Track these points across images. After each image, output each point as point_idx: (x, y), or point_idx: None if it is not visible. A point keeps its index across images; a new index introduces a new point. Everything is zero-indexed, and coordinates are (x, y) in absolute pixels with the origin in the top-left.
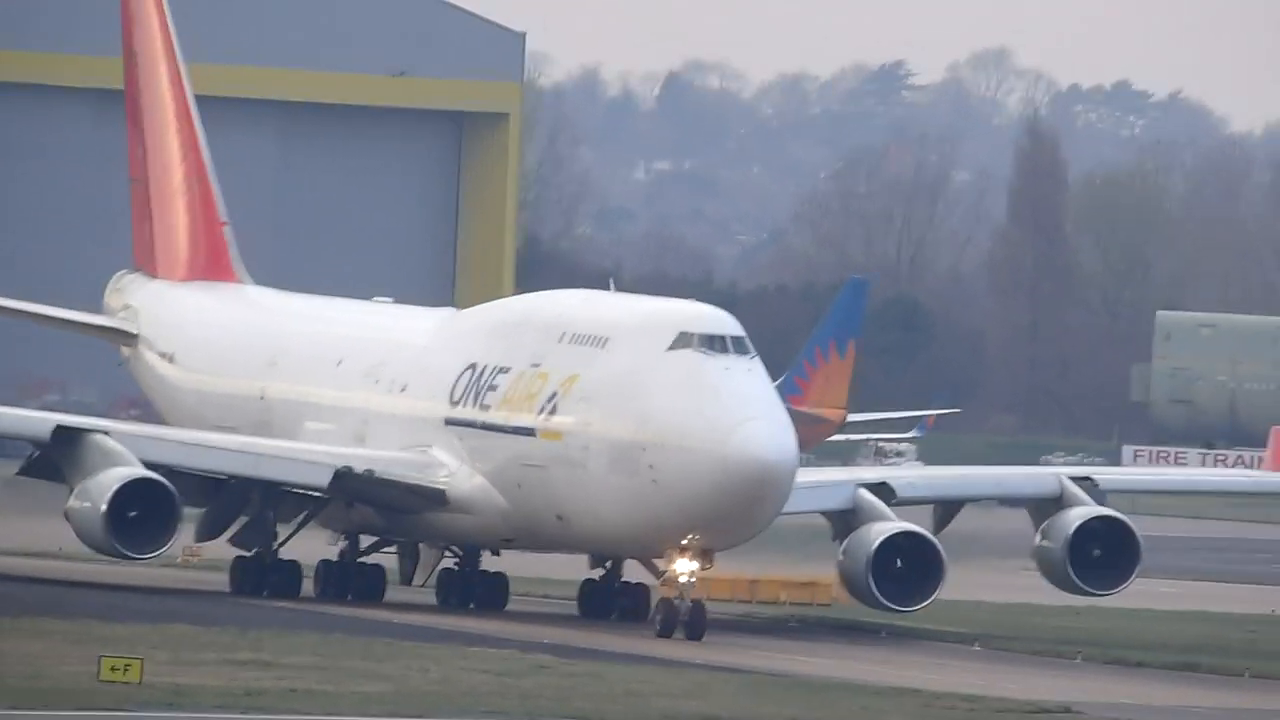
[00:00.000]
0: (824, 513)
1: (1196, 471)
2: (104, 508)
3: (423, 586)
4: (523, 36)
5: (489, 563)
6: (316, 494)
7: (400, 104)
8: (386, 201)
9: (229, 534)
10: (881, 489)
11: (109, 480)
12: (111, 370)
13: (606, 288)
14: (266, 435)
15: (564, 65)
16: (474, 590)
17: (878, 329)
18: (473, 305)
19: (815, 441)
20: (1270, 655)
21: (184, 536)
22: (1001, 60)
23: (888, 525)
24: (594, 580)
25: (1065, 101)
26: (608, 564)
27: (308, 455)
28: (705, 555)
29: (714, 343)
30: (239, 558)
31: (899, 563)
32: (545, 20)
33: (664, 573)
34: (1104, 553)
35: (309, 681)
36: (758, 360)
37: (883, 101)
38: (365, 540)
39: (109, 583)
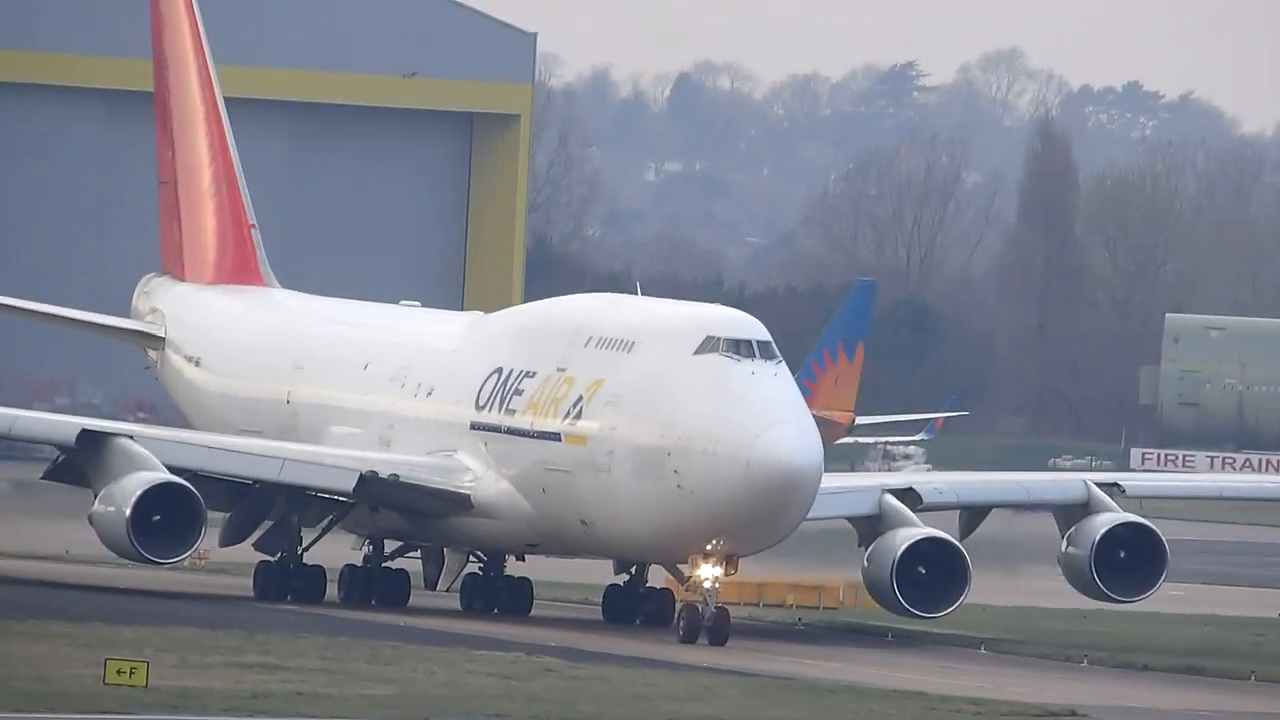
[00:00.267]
0: (849, 518)
1: (1226, 477)
2: (128, 512)
3: (447, 592)
4: (533, 37)
5: (514, 568)
6: (341, 498)
7: (410, 105)
8: (396, 202)
9: (253, 539)
10: (907, 494)
11: (133, 485)
12: (120, 372)
13: (627, 291)
14: (292, 439)
15: (574, 66)
16: (498, 595)
17: (887, 331)
18: (482, 306)
19: (823, 444)
20: (1276, 659)
21: (208, 541)
22: (1012, 61)
23: (913, 531)
24: (618, 585)
25: (1076, 103)
26: (632, 569)
27: (332, 460)
28: (730, 561)
29: (740, 347)
30: (263, 563)
31: (923, 569)
32: (556, 21)
33: (688, 578)
34: (1130, 559)
35: (315, 684)
36: (784, 365)
37: (893, 103)
38: (390, 545)
39: (116, 587)
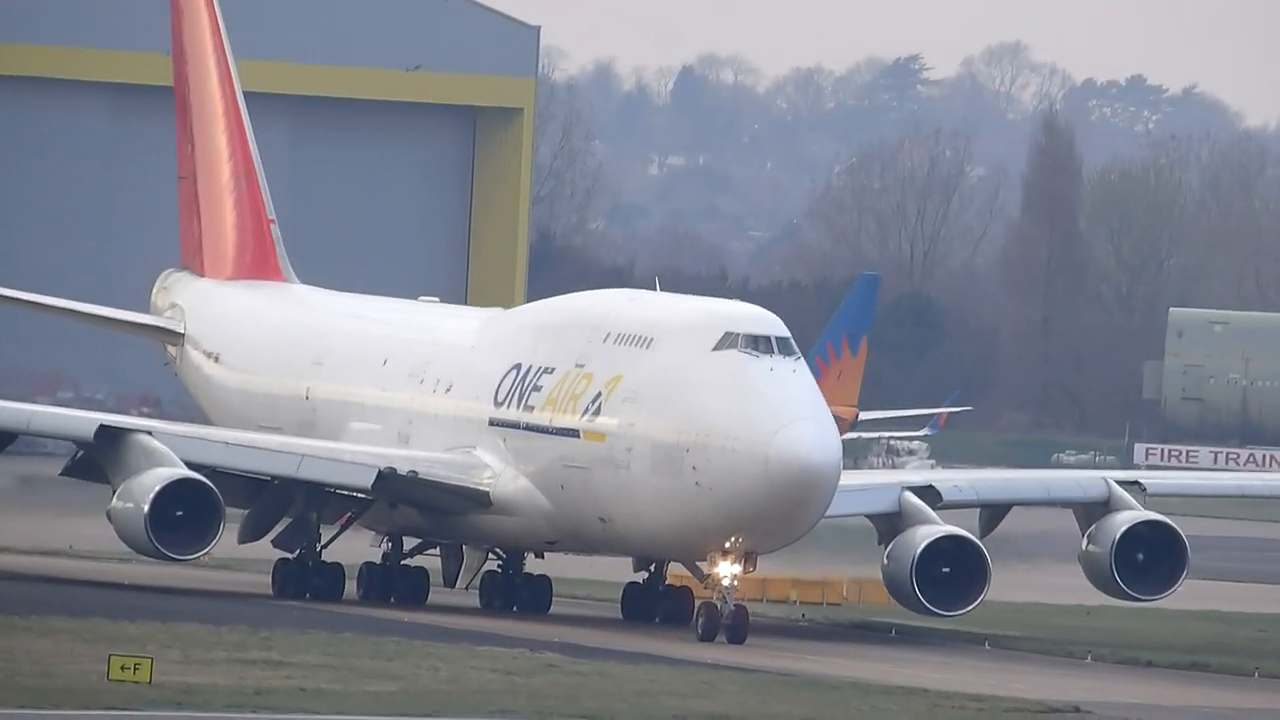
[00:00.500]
0: (869, 516)
1: (1249, 476)
2: (146, 508)
3: (466, 589)
4: (536, 31)
5: (533, 565)
6: (360, 495)
7: (414, 99)
8: (400, 196)
9: (272, 535)
10: (927, 492)
11: (151, 481)
12: (123, 366)
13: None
14: (311, 435)
15: (578, 60)
16: (518, 593)
17: (890, 325)
18: (486, 300)
19: None
20: (1279, 655)
21: (226, 538)
22: (1016, 54)
23: (933, 529)
24: (637, 583)
25: (1079, 96)
26: (652, 567)
27: (351, 456)
28: (749, 558)
29: (759, 343)
30: (281, 560)
31: (945, 567)
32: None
33: (707, 576)
34: (1150, 557)
35: (318, 680)
36: (802, 361)
37: (897, 96)
38: (409, 543)
39: (120, 582)
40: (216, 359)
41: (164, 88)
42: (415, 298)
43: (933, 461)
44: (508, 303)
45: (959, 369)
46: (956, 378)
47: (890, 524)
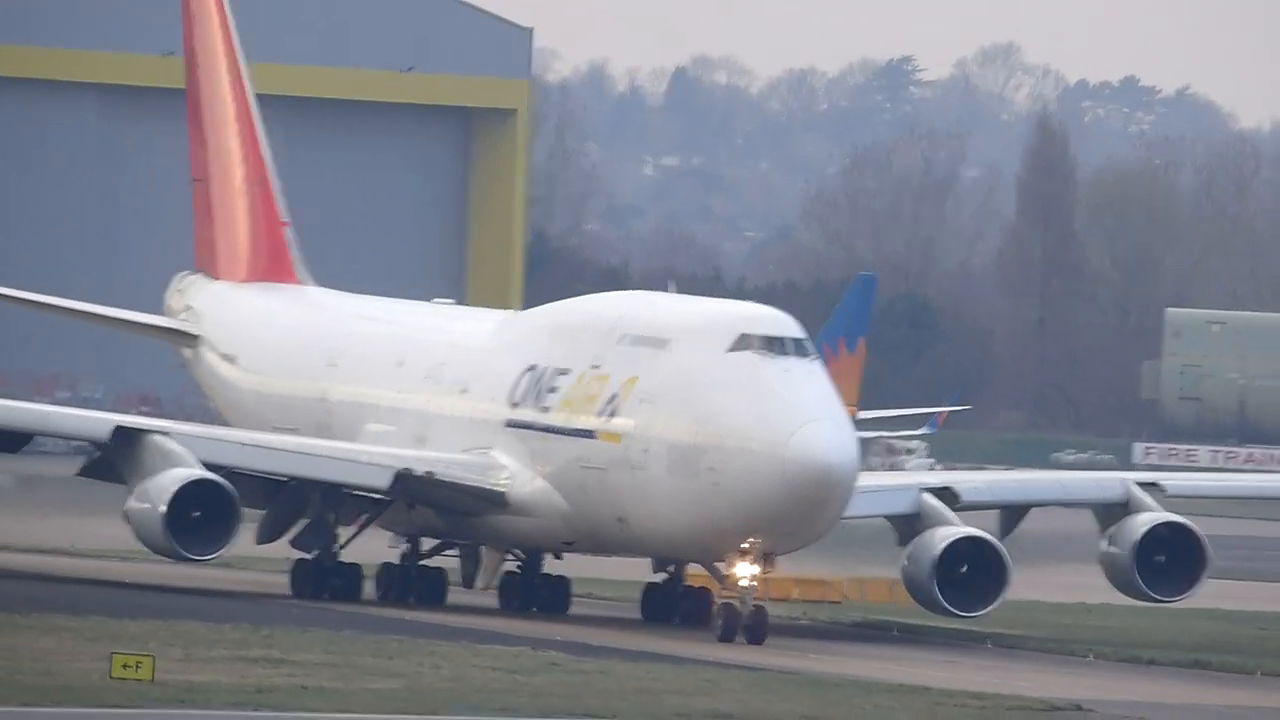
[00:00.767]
0: (887, 517)
1: (1269, 478)
2: (163, 509)
3: (484, 590)
4: (530, 32)
5: (551, 566)
6: (377, 496)
7: (408, 100)
8: (394, 198)
9: (289, 536)
10: (946, 493)
11: (168, 481)
12: (120, 366)
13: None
14: (327, 437)
15: (571, 61)
16: (536, 594)
17: (886, 326)
18: (482, 301)
19: None
20: None
21: (243, 539)
22: (1009, 56)
23: (952, 530)
24: (656, 584)
25: (1073, 97)
26: (671, 568)
27: (368, 457)
28: (767, 559)
29: (774, 344)
30: (299, 560)
31: (963, 569)
32: (552, 16)
33: (725, 577)
34: (1170, 559)
35: (320, 679)
36: (818, 362)
37: (891, 98)
38: (427, 543)
39: (121, 581)
40: (232, 361)
41: (158, 89)
42: (429, 299)
43: (932, 461)
44: (504, 304)
45: (955, 369)
46: (953, 378)
47: (909, 525)
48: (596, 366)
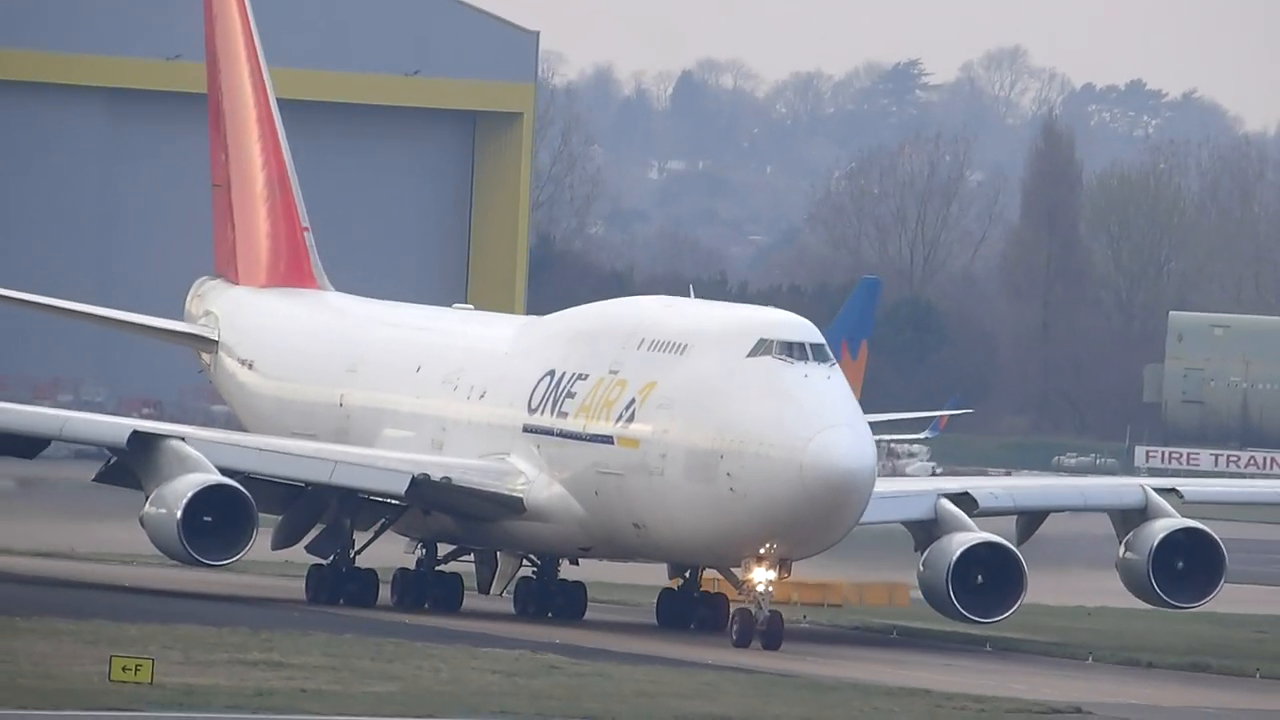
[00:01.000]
0: (905, 523)
1: None
2: (179, 514)
3: (500, 596)
4: (536, 36)
5: (568, 572)
6: (394, 501)
7: (413, 104)
8: (399, 201)
9: (305, 541)
10: (963, 499)
11: (184, 486)
12: (122, 370)
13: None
14: (345, 442)
15: (577, 65)
16: (552, 599)
17: (890, 329)
18: (485, 305)
19: None
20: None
21: (259, 544)
22: (1015, 59)
23: (969, 535)
24: (672, 590)
25: (1078, 101)
26: (687, 573)
27: (385, 462)
28: (783, 564)
29: (793, 350)
30: (315, 566)
31: (980, 575)
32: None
33: (742, 582)
34: (1188, 565)
35: (319, 682)
36: (837, 367)
37: (896, 101)
38: (443, 549)
39: (121, 584)
40: (251, 366)
41: (161, 93)
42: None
43: (933, 464)
44: (507, 308)
45: (959, 373)
46: (956, 382)
47: (926, 531)
48: (615, 371)
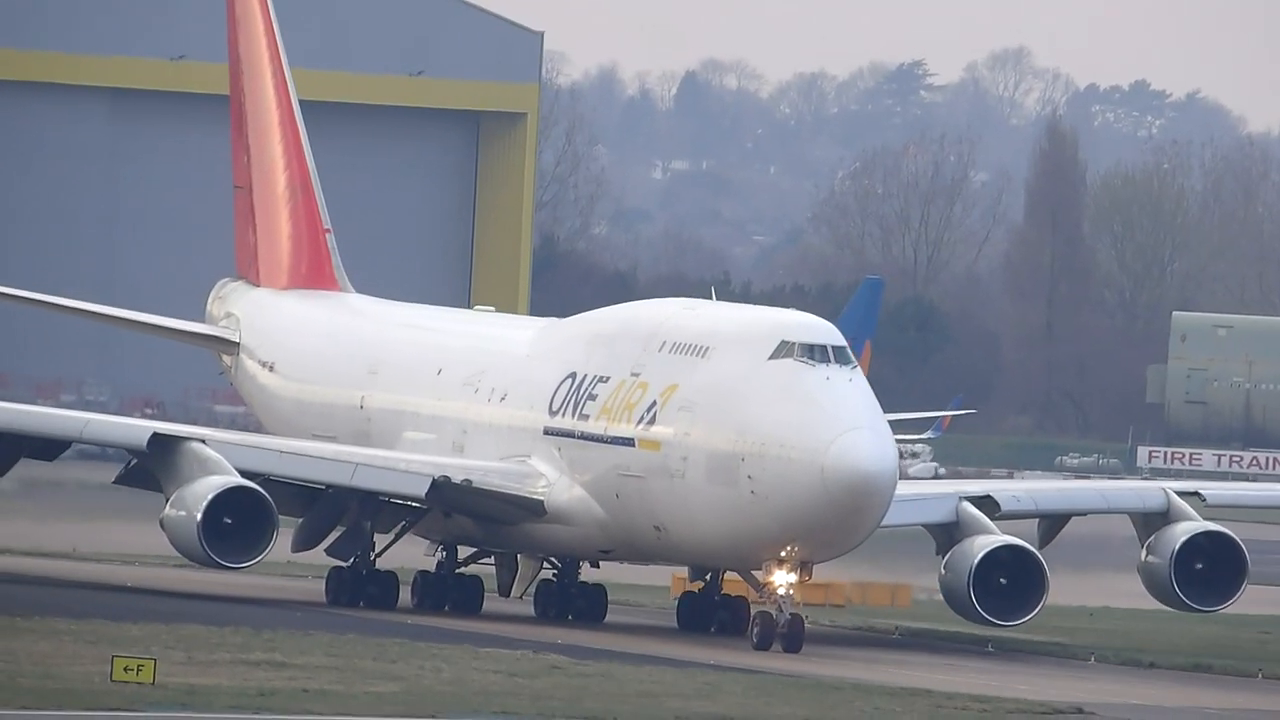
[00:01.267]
0: (926, 525)
1: None
2: (199, 516)
3: (521, 598)
4: (540, 36)
5: (588, 574)
6: (414, 504)
7: (417, 104)
8: (403, 201)
9: (326, 544)
10: (985, 502)
11: (204, 489)
12: (124, 369)
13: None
14: (366, 444)
15: (581, 65)
16: (573, 602)
17: (894, 329)
18: (489, 304)
19: None
20: None
21: (280, 546)
22: (1019, 60)
23: (990, 539)
24: (693, 592)
25: (1082, 101)
26: (708, 576)
27: (405, 465)
28: (804, 567)
29: (815, 352)
30: (335, 568)
31: (1001, 578)
32: (562, 20)
33: (763, 585)
34: (1210, 568)
35: (322, 682)
36: (859, 370)
37: (900, 101)
38: (463, 551)
39: (123, 584)
40: (271, 368)
41: (164, 93)
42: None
43: (936, 464)
44: (511, 308)
45: (962, 373)
46: (960, 382)
47: (947, 534)
48: (636, 374)
